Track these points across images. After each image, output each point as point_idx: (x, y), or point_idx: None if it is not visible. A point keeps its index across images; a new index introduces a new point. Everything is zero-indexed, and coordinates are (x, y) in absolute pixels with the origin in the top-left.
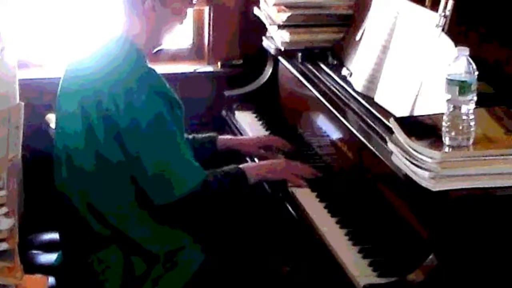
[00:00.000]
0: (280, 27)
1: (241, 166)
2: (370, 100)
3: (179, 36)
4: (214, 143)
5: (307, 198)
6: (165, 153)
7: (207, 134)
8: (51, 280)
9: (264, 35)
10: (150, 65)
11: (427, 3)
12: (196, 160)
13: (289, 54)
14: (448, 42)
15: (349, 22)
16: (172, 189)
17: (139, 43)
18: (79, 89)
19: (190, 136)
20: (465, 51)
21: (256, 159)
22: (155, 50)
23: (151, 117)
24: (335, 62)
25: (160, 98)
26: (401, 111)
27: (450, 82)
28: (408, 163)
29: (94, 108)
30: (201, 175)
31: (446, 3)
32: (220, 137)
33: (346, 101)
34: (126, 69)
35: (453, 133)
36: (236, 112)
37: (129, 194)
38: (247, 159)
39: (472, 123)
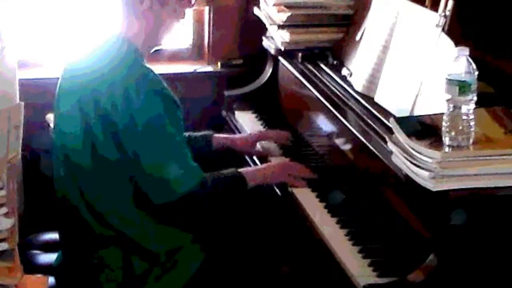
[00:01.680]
0: (280, 27)
1: (240, 170)
2: (370, 100)
3: (179, 36)
4: (209, 141)
5: (307, 198)
6: (163, 154)
7: (203, 133)
8: (51, 280)
9: (264, 35)
10: (149, 65)
11: (427, 3)
12: (194, 159)
13: (289, 54)
14: (448, 42)
15: (349, 22)
16: (171, 189)
17: (137, 43)
18: (78, 89)
19: (186, 134)
20: (465, 51)
21: (254, 157)
22: (153, 50)
23: (149, 117)
24: (335, 62)
25: (158, 98)
26: (401, 111)
27: (450, 82)
28: (408, 163)
29: (92, 108)
30: (199, 175)
31: (446, 3)
32: (216, 135)
33: (346, 101)
34: (124, 68)
35: (453, 133)
36: (236, 112)
37: (127, 193)
38: (246, 157)
39: (472, 123)
